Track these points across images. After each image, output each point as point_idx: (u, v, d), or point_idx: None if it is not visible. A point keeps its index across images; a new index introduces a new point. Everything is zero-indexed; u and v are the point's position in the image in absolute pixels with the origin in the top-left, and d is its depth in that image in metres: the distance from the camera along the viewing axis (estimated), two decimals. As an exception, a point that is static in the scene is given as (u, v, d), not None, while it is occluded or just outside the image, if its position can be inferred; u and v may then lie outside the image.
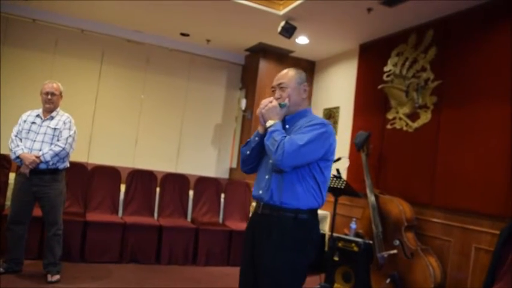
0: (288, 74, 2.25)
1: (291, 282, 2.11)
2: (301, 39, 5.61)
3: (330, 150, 2.15)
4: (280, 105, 2.17)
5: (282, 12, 4.85)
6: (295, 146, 2.00)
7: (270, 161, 2.17)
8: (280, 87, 2.23)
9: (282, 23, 4.92)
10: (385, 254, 4.07)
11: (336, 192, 4.30)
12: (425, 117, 4.41)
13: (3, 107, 5.41)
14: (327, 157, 2.15)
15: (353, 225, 4.58)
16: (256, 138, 2.25)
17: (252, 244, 2.22)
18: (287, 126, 2.21)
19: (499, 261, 3.17)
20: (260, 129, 2.23)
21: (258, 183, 2.25)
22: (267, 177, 2.19)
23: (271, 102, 2.17)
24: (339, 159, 4.81)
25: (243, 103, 6.50)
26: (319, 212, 5.51)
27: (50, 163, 3.72)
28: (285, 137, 2.06)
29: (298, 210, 2.11)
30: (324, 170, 2.16)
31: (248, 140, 2.32)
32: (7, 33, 5.58)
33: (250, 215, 2.34)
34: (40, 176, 3.72)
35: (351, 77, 5.65)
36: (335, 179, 4.34)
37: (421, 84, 4.48)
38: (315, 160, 2.10)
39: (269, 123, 2.14)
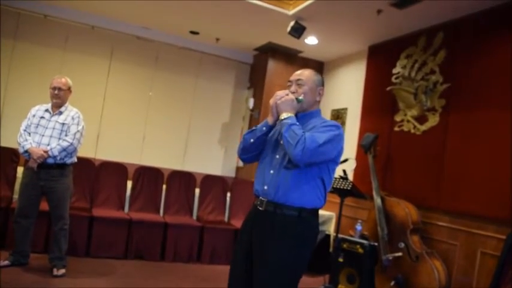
0: (308, 73, 2.25)
1: (291, 277, 2.12)
2: (311, 40, 5.60)
3: (340, 153, 2.16)
4: (297, 100, 2.15)
5: (291, 12, 4.85)
6: (315, 143, 1.98)
7: (277, 156, 2.15)
8: (298, 83, 2.22)
9: (292, 23, 4.91)
10: (390, 256, 4.06)
11: (342, 193, 4.28)
12: (433, 120, 4.39)
13: (13, 101, 5.48)
14: (337, 160, 2.16)
15: (358, 227, 4.56)
16: (264, 128, 2.20)
17: (249, 240, 2.19)
18: (297, 123, 2.16)
19: (505, 266, 3.15)
20: (270, 120, 2.18)
21: (261, 178, 2.20)
22: (271, 172, 2.14)
23: (287, 95, 2.14)
24: (345, 160, 4.80)
25: (251, 102, 6.51)
26: (325, 213, 5.55)
27: (58, 158, 3.74)
28: (304, 132, 2.03)
29: (302, 209, 2.10)
30: (331, 172, 2.17)
31: (253, 128, 2.27)
32: (19, 28, 5.63)
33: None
34: (48, 171, 3.75)
35: (360, 79, 5.64)
36: (341, 180, 4.33)
37: (429, 87, 4.46)
38: (327, 160, 2.10)
39: (284, 115, 2.09)
